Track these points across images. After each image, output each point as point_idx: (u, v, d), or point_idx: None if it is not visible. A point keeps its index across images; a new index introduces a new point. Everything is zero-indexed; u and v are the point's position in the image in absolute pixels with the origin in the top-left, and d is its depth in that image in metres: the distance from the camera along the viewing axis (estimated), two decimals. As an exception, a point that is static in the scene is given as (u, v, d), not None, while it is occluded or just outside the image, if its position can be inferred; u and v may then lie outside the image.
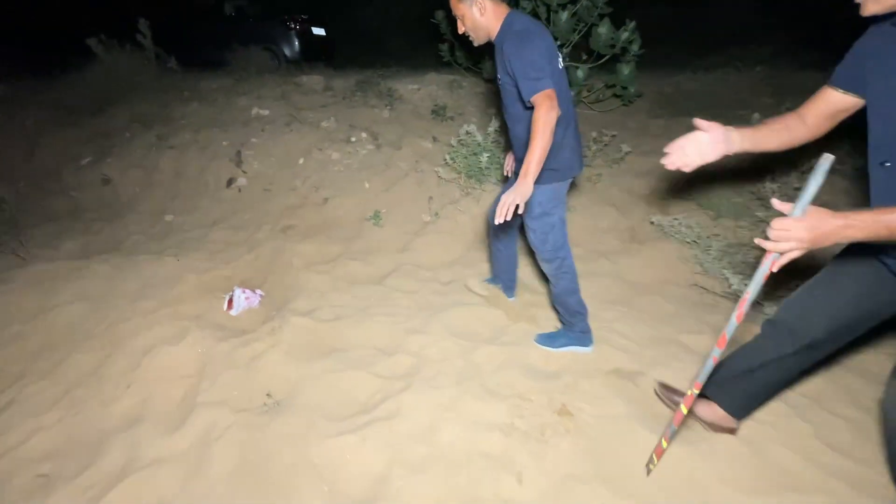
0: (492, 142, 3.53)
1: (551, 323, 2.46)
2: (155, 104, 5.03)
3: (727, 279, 2.56)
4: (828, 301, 1.41)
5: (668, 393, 1.87)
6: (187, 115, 4.78)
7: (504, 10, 1.75)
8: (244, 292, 2.72)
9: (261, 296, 2.78)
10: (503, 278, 2.62)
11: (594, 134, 3.74)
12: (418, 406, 1.83)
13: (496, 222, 1.59)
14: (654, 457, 1.57)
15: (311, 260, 3.10)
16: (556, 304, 2.23)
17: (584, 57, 4.49)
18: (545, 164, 1.71)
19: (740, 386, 1.61)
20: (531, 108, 1.62)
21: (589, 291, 2.73)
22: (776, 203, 1.13)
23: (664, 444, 1.55)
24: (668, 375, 2.01)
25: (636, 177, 3.71)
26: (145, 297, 2.66)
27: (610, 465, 1.61)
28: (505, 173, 2.36)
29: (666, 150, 1.41)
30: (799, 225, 1.06)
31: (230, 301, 2.68)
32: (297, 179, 3.87)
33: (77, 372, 2.07)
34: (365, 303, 2.64)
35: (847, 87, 1.27)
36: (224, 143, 4.30)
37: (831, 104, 1.31)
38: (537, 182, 1.74)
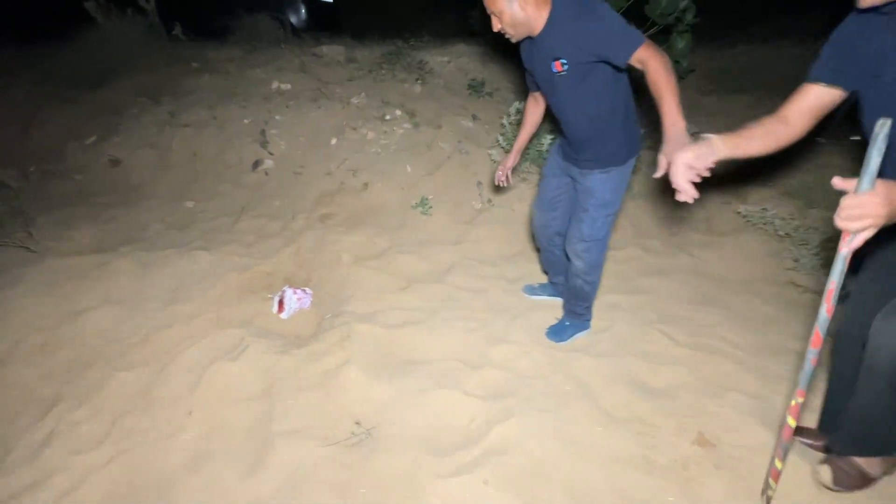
0: (550, 122, 3.20)
1: (633, 327, 2.21)
2: (162, 76, 4.59)
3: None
4: None
5: (801, 436, 1.59)
6: (199, 88, 4.35)
7: (547, 2, 1.60)
8: (295, 292, 2.43)
9: (311, 295, 2.50)
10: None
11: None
12: (531, 434, 1.59)
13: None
14: (772, 481, 1.37)
15: (359, 253, 2.81)
16: (571, 291, 2.03)
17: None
18: (621, 139, 1.74)
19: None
20: (623, 72, 1.61)
21: (671, 289, 2.50)
22: (838, 182, 1.03)
23: (778, 464, 1.35)
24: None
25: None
26: (181, 299, 2.36)
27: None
28: (497, 182, 2.20)
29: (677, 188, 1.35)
30: (873, 200, 0.97)
31: (280, 303, 2.39)
32: (331, 162, 3.53)
33: (122, 395, 1.78)
34: (430, 304, 2.37)
35: (831, 81, 1.23)
36: (245, 120, 3.91)
37: (814, 100, 1.26)
38: (609, 165, 1.78)
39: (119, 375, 1.85)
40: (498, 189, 3.20)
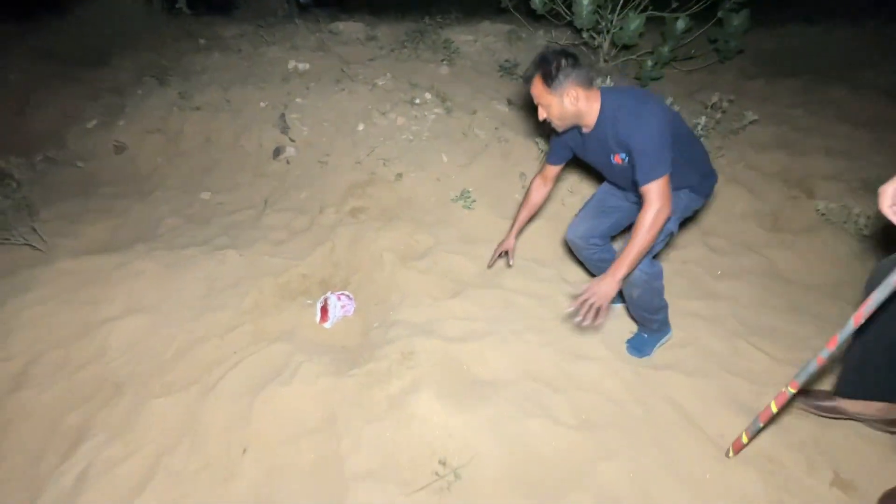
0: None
1: (720, 339, 2.01)
2: (167, 54, 4.24)
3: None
4: None
5: (809, 400, 1.63)
6: (209, 68, 4.02)
7: (597, 93, 1.59)
8: (339, 298, 2.19)
9: (354, 301, 2.26)
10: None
11: (714, 99, 3.17)
12: (643, 473, 1.39)
13: (576, 321, 1.50)
14: (731, 450, 1.47)
15: (402, 253, 2.56)
16: (636, 303, 1.85)
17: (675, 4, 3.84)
18: (692, 184, 1.71)
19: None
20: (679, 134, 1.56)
21: (749, 294, 2.30)
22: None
23: (745, 439, 1.44)
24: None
25: (759, 150, 3.20)
26: (214, 307, 2.12)
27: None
28: (490, 264, 2.24)
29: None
30: None
31: (324, 310, 2.16)
32: (359, 150, 3.25)
33: (163, 426, 1.55)
34: (489, 312, 2.14)
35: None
36: (262, 103, 3.60)
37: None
38: (694, 192, 1.75)
39: (156, 402, 1.62)
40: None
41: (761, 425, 1.40)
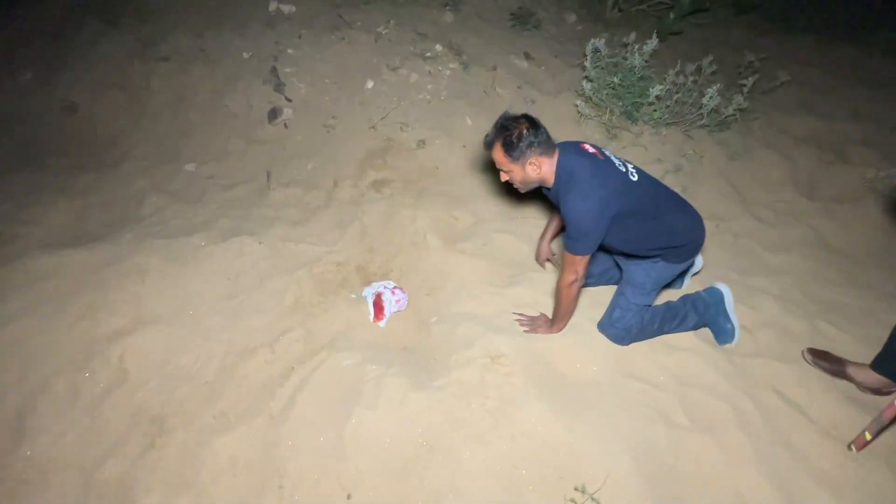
0: (651, 68, 2.71)
1: (796, 319, 1.96)
2: (110, -13, 3.46)
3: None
4: None
5: (817, 359, 1.72)
6: (173, 6, 3.32)
7: (556, 156, 1.57)
8: (394, 292, 1.92)
9: (407, 294, 2.00)
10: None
11: (750, 58, 3.02)
12: (780, 474, 1.33)
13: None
14: (854, 446, 1.45)
15: (444, 233, 2.30)
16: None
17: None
18: (663, 247, 1.66)
19: None
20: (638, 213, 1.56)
21: (808, 268, 2.27)
22: None
23: (868, 436, 1.41)
24: None
25: (786, 113, 3.13)
26: (247, 309, 1.79)
27: None
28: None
29: None
30: None
31: (377, 306, 1.89)
32: (371, 111, 2.85)
33: (236, 473, 1.27)
34: None
35: None
36: (245, 54, 3.05)
37: None
38: (669, 261, 1.71)
39: (218, 441, 1.33)
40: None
41: (886, 423, 1.36)
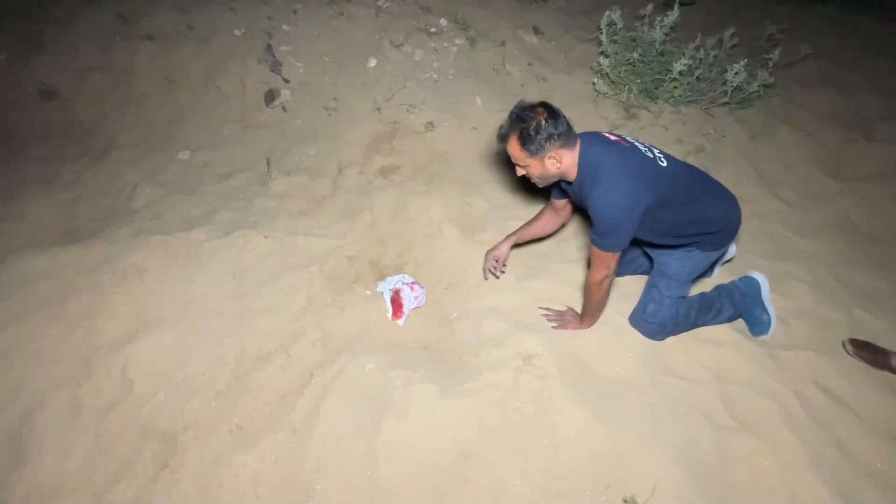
0: (670, 41, 2.56)
1: (830, 308, 1.89)
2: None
3: None
4: None
5: (859, 350, 1.66)
6: (153, -20, 3.08)
7: (577, 147, 1.44)
8: (413, 288, 1.81)
9: (424, 289, 1.89)
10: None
11: (771, 30, 2.88)
12: (841, 480, 1.27)
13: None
14: None
15: (459, 222, 2.18)
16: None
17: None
18: (695, 236, 1.56)
19: None
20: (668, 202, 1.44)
21: (835, 251, 2.19)
22: None
23: None
24: None
25: (807, 88, 3.01)
26: (257, 310, 1.67)
27: None
28: (487, 275, 1.86)
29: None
30: None
31: (396, 303, 1.78)
32: (375, 92, 2.67)
33: (258, 496, 1.18)
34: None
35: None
36: (237, 31, 2.84)
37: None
38: (704, 249, 1.61)
39: (236, 459, 1.23)
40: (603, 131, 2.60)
41: None
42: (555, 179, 1.51)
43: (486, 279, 1.87)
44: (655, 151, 1.50)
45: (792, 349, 1.69)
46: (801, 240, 2.24)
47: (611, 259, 1.45)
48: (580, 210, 1.79)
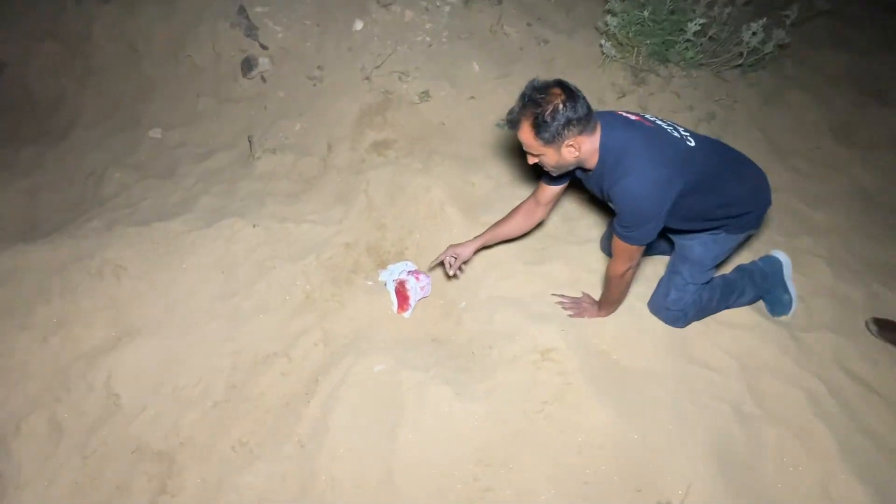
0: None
1: (852, 286, 1.83)
2: None
3: None
4: None
5: (883, 330, 1.61)
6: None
7: (598, 132, 1.29)
8: (418, 278, 1.69)
9: (430, 279, 1.77)
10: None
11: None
12: (874, 473, 1.22)
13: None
14: None
15: (460, 202, 2.04)
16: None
17: None
18: (741, 210, 1.44)
19: None
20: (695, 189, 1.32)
21: (846, 222, 2.13)
22: None
23: None
24: None
25: (818, 48, 2.87)
26: (251, 310, 1.54)
27: None
28: (449, 272, 1.64)
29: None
30: None
31: (401, 295, 1.66)
32: (363, 59, 2.45)
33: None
34: (600, 277, 1.76)
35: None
36: (204, -9, 2.55)
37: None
38: (731, 232, 1.49)
39: (239, 479, 1.12)
40: (615, 97, 2.43)
41: None
42: (571, 168, 1.36)
43: (434, 266, 1.71)
44: (681, 130, 1.36)
45: (813, 330, 1.63)
46: (815, 212, 2.16)
47: (636, 252, 1.35)
48: (581, 192, 1.66)
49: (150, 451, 1.21)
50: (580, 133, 1.24)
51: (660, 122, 1.35)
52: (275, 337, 1.47)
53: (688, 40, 2.28)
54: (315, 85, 2.45)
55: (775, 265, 1.68)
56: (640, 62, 2.42)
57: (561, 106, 1.19)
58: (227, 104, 2.44)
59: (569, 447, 1.23)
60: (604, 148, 1.29)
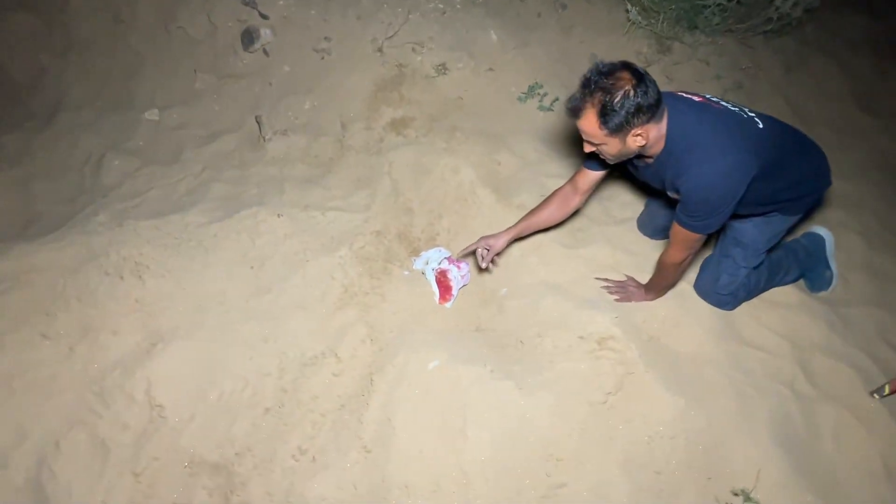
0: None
1: (878, 258, 1.85)
2: None
3: None
4: None
5: None
6: None
7: (665, 119, 1.21)
8: (459, 266, 1.62)
9: (469, 266, 1.70)
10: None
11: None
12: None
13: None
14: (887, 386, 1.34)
15: (490, 183, 1.95)
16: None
17: None
18: (804, 191, 1.41)
19: None
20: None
21: (872, 193, 2.14)
22: None
23: None
24: None
25: (837, 12, 2.79)
26: (287, 306, 1.45)
27: None
28: (482, 265, 1.54)
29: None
30: None
31: (443, 285, 1.59)
32: (373, 29, 2.28)
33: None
34: (642, 260, 1.69)
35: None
36: (194, -46, 2.31)
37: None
38: (787, 213, 1.45)
39: (308, 491, 1.07)
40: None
41: None
42: (632, 156, 1.28)
43: (463, 255, 1.61)
44: (746, 110, 1.29)
45: (855, 305, 1.64)
46: (843, 183, 2.13)
47: (698, 242, 1.31)
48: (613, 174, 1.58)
49: (205, 464, 1.14)
50: (649, 121, 1.16)
51: (724, 104, 1.28)
52: (318, 335, 1.39)
53: (718, 4, 2.18)
54: (323, 58, 2.28)
55: (818, 241, 1.67)
56: (665, 29, 2.32)
57: (632, 92, 1.11)
58: (228, 81, 2.26)
59: (638, 439, 1.21)
60: (672, 134, 1.21)
